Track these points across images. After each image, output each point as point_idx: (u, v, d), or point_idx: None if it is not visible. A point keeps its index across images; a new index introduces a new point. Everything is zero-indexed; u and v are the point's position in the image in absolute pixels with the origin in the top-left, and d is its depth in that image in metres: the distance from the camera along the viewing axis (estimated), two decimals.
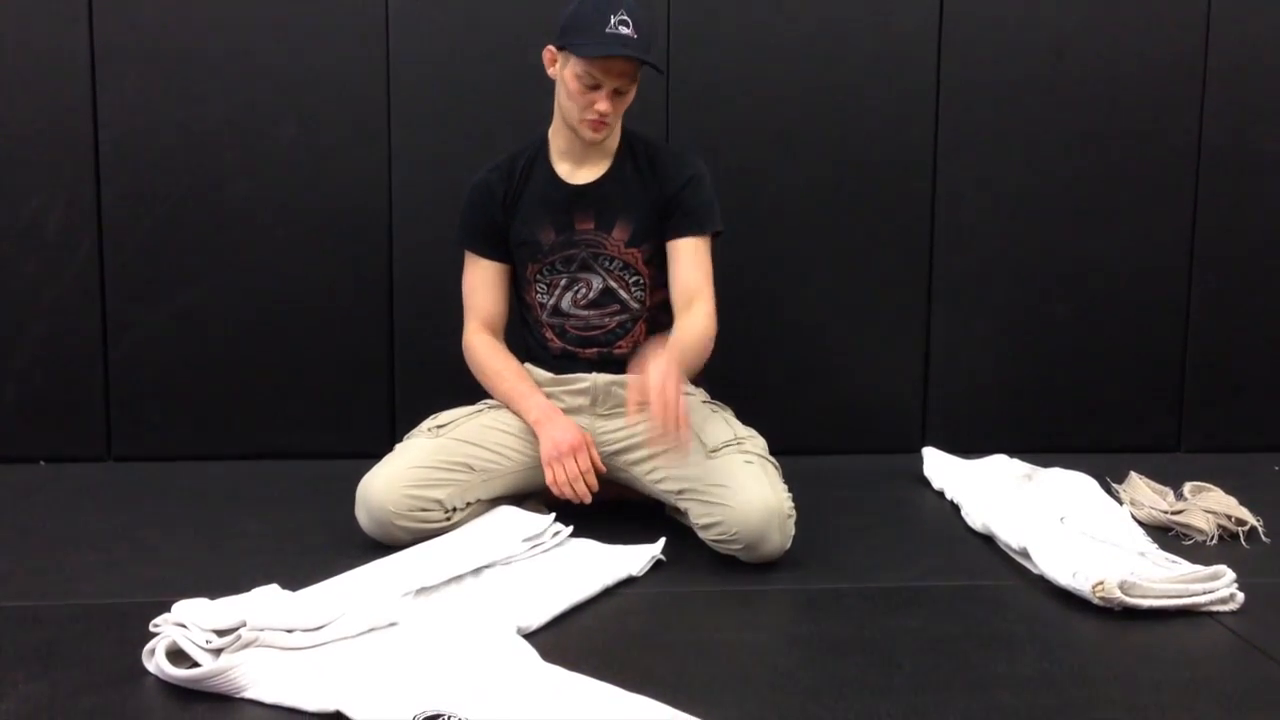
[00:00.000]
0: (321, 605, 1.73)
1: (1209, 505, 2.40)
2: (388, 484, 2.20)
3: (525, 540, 2.15)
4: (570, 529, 2.22)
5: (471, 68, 2.91)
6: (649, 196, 2.36)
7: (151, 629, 1.63)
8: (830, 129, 3.00)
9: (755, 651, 1.84)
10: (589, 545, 2.20)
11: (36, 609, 1.90)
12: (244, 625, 1.59)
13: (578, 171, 2.39)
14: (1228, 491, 2.47)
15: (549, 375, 2.42)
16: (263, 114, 2.88)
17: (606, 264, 2.37)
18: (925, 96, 3.02)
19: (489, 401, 2.43)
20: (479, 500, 2.29)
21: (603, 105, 2.24)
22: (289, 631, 1.64)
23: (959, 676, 1.68)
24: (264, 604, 1.71)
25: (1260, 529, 2.37)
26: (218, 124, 2.87)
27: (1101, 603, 1.90)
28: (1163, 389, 3.18)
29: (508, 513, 2.29)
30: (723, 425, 2.31)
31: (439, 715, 1.45)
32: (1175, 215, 3.12)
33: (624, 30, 2.19)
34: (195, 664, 1.58)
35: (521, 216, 2.39)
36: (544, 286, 2.40)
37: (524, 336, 2.50)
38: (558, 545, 2.19)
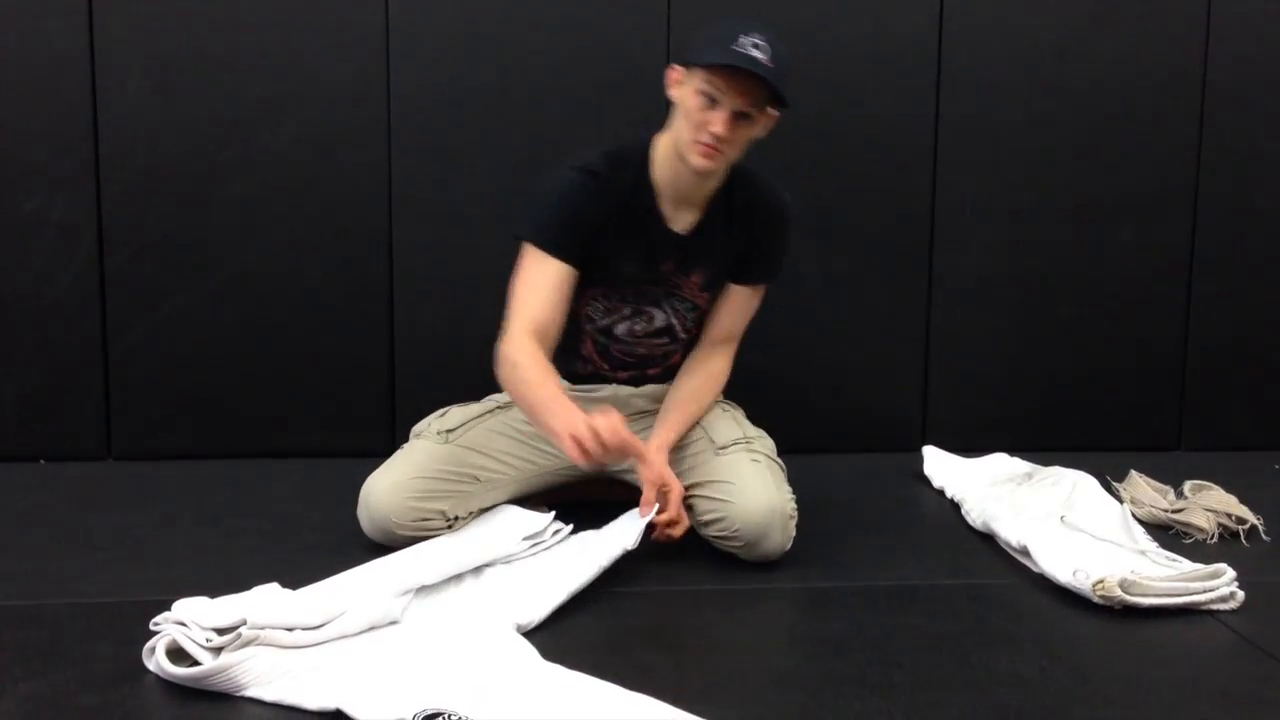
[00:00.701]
0: (322, 604, 1.73)
1: (1209, 504, 2.40)
2: (392, 492, 2.17)
3: (525, 539, 2.15)
4: (570, 527, 2.22)
5: (471, 66, 2.91)
6: (735, 247, 2.28)
7: (152, 627, 1.62)
8: (831, 128, 2.99)
9: (755, 650, 1.84)
10: (584, 536, 2.20)
11: (36, 607, 1.90)
12: (244, 623, 1.59)
13: (677, 214, 2.23)
14: (1228, 490, 2.47)
15: (565, 383, 2.36)
16: (263, 113, 2.88)
17: (676, 303, 2.31)
18: (926, 95, 3.01)
19: (497, 398, 2.38)
20: (482, 508, 2.28)
21: (718, 127, 2.05)
22: (289, 630, 1.64)
23: (959, 675, 1.68)
24: (264, 602, 1.71)
25: (1260, 527, 2.37)
26: (218, 123, 2.87)
27: (1102, 601, 1.90)
28: (1163, 387, 3.18)
29: (508, 512, 2.29)
30: (732, 424, 2.32)
31: (439, 714, 1.45)
32: (1175, 214, 3.12)
33: (756, 52, 2.02)
34: (195, 662, 1.58)
35: (610, 241, 2.20)
36: (602, 308, 2.30)
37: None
38: (559, 543, 2.18)
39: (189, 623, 1.59)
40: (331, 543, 2.23)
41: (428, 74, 2.92)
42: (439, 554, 2.08)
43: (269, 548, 2.24)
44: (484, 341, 2.94)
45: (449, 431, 2.29)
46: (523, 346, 2.09)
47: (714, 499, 2.16)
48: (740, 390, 2.50)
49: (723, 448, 2.23)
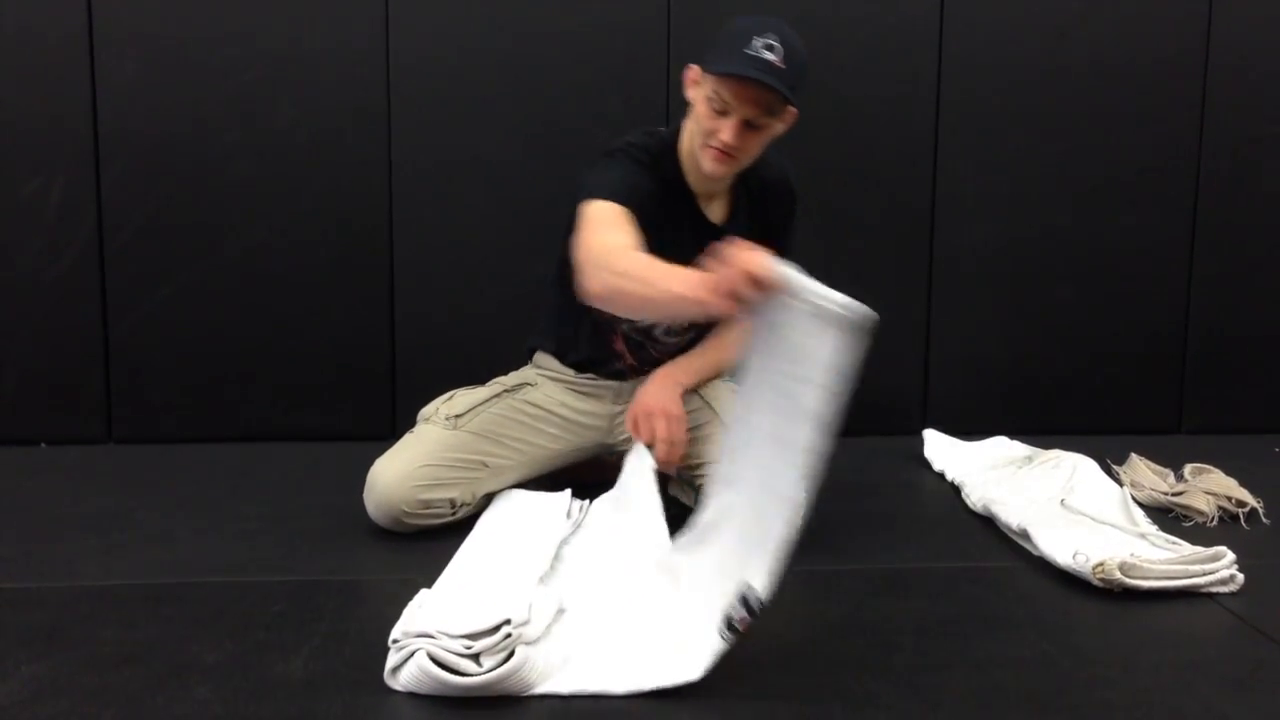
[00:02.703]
0: (507, 603, 1.63)
1: (1209, 487, 2.41)
2: (399, 480, 2.15)
3: (568, 519, 2.16)
4: (588, 502, 2.24)
5: (472, 50, 2.90)
6: (757, 232, 2.21)
7: (391, 644, 1.54)
8: (833, 111, 2.98)
9: (755, 632, 1.84)
10: (604, 501, 2.22)
11: (38, 590, 1.90)
12: (509, 623, 1.52)
13: (710, 205, 2.22)
14: (1228, 473, 2.47)
15: (570, 372, 2.36)
16: (262, 95, 2.88)
17: None
18: (927, 78, 3.01)
19: (503, 381, 2.38)
20: (488, 493, 2.28)
21: (727, 135, 2.01)
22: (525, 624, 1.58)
23: (959, 658, 1.68)
24: (454, 605, 1.62)
25: (1260, 510, 2.37)
26: (217, 106, 2.87)
27: (1102, 584, 1.90)
28: (1163, 371, 3.18)
29: (526, 498, 2.28)
30: None
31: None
32: (1176, 197, 3.12)
33: (768, 55, 1.96)
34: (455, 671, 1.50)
35: (656, 234, 2.05)
36: None
37: (565, 331, 2.36)
38: (584, 516, 2.19)
39: (435, 634, 1.51)
40: (334, 527, 2.23)
41: (428, 55, 2.91)
42: (515, 549, 2.03)
43: (270, 531, 2.24)
44: (485, 322, 2.96)
45: (457, 417, 2.28)
46: (611, 240, 1.91)
47: None
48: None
49: None
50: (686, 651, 1.57)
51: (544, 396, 2.35)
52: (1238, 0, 3.05)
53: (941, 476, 2.67)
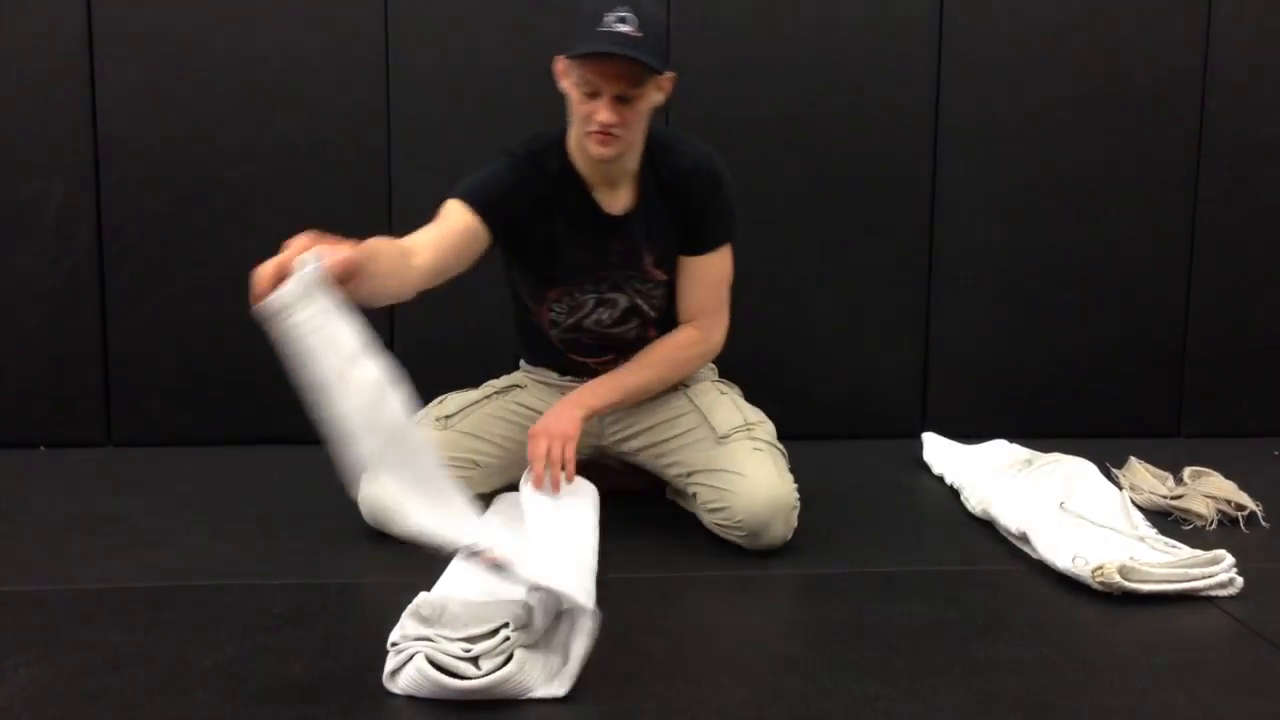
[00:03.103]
0: (508, 605, 1.62)
1: (1208, 490, 2.40)
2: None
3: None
4: None
5: (471, 52, 2.91)
6: (677, 219, 2.21)
7: (390, 648, 1.54)
8: (831, 114, 2.99)
9: (754, 636, 1.84)
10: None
11: (36, 593, 1.90)
12: (507, 626, 1.52)
13: (611, 197, 2.19)
14: (1227, 476, 2.47)
15: (554, 374, 2.37)
16: (262, 99, 2.88)
17: (637, 284, 2.24)
18: (926, 81, 3.01)
19: (495, 384, 2.40)
20: (478, 494, 2.26)
21: (604, 115, 2.00)
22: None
23: (958, 661, 1.68)
24: (464, 604, 1.61)
25: (1259, 514, 2.37)
26: (217, 110, 2.87)
27: (1101, 587, 1.90)
28: (1162, 374, 3.18)
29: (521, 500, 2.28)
30: (732, 409, 2.30)
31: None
32: (1176, 201, 3.11)
33: (621, 28, 1.96)
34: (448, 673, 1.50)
35: (552, 229, 2.18)
36: (565, 309, 2.26)
37: (528, 341, 2.39)
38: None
39: (434, 637, 1.51)
40: (332, 530, 2.23)
41: (426, 61, 2.91)
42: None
43: (268, 534, 2.24)
44: (480, 329, 2.96)
45: (447, 418, 2.30)
46: (418, 235, 2.00)
47: (718, 489, 2.16)
48: (741, 378, 2.50)
49: (724, 436, 2.22)
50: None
51: (533, 398, 2.36)
52: (1237, 7, 3.05)
53: (941, 479, 2.67)
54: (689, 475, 2.23)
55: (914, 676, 1.62)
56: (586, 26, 1.98)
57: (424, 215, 2.92)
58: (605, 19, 1.97)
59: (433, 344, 2.96)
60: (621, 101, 2.02)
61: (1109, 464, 2.59)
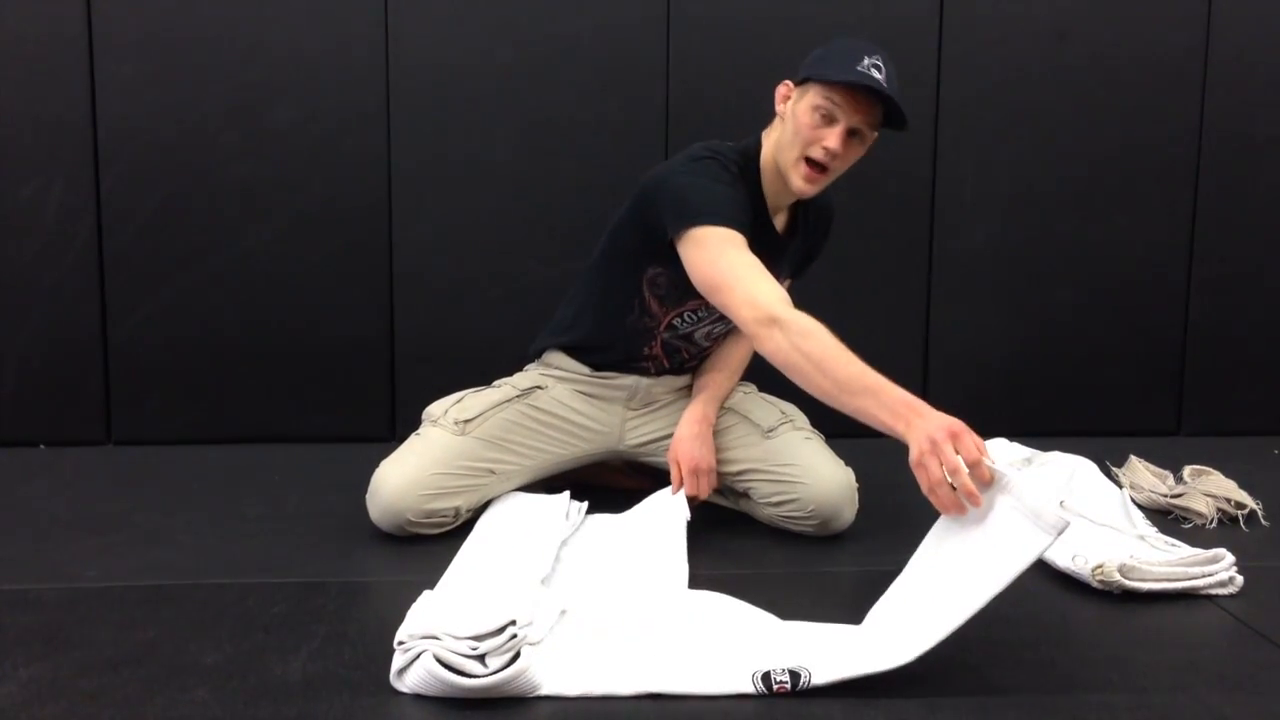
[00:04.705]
0: (509, 605, 1.61)
1: (1208, 489, 2.40)
2: (406, 488, 2.12)
3: (566, 520, 2.17)
4: (585, 504, 2.26)
5: (471, 49, 2.90)
6: (806, 248, 2.35)
7: (397, 646, 1.54)
8: None
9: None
10: (613, 519, 2.23)
11: (37, 592, 1.90)
12: (513, 624, 1.52)
13: (779, 219, 2.25)
14: (1227, 475, 2.47)
15: (585, 370, 2.33)
16: (262, 98, 2.88)
17: None
18: (926, 80, 3.01)
19: (514, 384, 2.33)
20: (493, 499, 2.26)
21: (832, 142, 2.04)
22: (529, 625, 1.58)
23: (957, 659, 1.68)
24: (456, 608, 1.60)
25: (1259, 512, 2.37)
26: (217, 108, 2.87)
27: (1101, 586, 1.90)
28: (1162, 373, 3.18)
29: (524, 499, 2.28)
30: (765, 404, 2.33)
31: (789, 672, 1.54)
32: (1176, 199, 3.12)
33: (876, 74, 2.02)
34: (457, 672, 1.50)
35: None
36: (694, 319, 2.25)
37: (601, 336, 2.32)
38: (583, 518, 2.21)
39: (441, 635, 1.50)
40: (333, 528, 2.23)
41: (427, 56, 2.91)
42: (517, 548, 2.02)
43: (269, 533, 2.24)
44: (484, 324, 2.96)
45: (466, 422, 2.23)
46: (800, 315, 1.87)
47: (781, 481, 2.18)
48: (744, 375, 2.50)
49: (770, 430, 2.25)
50: (701, 665, 1.58)
51: (555, 402, 2.31)
52: (1237, 2, 3.05)
53: None
54: (740, 473, 2.24)
55: (913, 675, 1.62)
56: (844, 60, 2.03)
57: (422, 215, 2.95)
58: (864, 60, 2.03)
59: (438, 339, 2.96)
60: (851, 135, 2.07)
61: (1109, 462, 2.60)
